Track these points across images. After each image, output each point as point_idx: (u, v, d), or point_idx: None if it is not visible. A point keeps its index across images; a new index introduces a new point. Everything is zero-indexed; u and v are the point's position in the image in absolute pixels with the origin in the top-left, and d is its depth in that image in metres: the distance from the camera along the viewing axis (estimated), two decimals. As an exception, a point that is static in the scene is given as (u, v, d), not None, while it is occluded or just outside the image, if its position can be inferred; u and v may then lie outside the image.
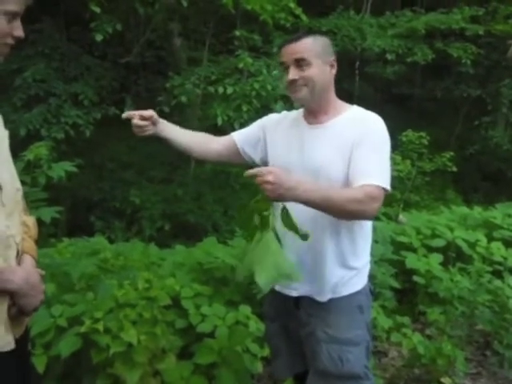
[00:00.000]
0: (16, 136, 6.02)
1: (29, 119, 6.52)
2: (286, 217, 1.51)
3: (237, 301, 2.72)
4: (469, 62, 8.63)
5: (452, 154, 5.79)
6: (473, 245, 3.72)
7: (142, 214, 7.00)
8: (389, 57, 8.37)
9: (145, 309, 2.35)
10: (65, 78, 7.34)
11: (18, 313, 1.33)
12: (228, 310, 2.57)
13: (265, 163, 1.88)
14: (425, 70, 10.11)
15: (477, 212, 4.47)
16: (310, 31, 1.71)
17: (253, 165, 1.94)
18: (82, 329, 2.18)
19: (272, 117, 1.94)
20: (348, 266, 1.73)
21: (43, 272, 1.46)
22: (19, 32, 1.28)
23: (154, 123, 1.81)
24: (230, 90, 5.96)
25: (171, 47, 7.60)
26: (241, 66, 6.13)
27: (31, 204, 2.65)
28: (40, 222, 2.66)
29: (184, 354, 2.45)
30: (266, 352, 2.49)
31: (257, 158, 1.90)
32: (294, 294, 1.75)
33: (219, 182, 7.40)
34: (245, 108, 5.87)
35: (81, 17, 6.63)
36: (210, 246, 3.07)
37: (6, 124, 1.46)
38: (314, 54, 1.66)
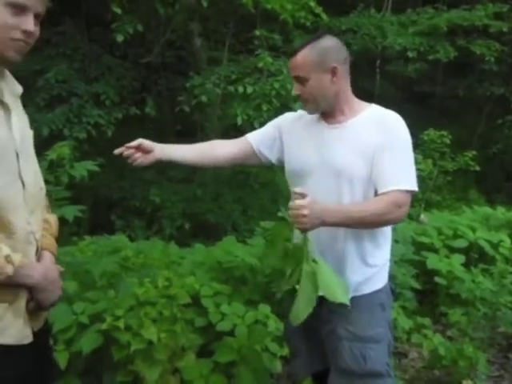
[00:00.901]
0: (39, 136, 6.12)
1: (51, 119, 6.62)
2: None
3: (256, 300, 2.73)
4: (492, 59, 8.48)
5: (474, 153, 5.71)
6: (495, 245, 3.67)
7: (162, 213, 7.05)
8: (410, 55, 8.28)
9: (165, 307, 2.37)
10: (86, 79, 7.44)
11: (36, 307, 1.36)
12: (247, 308, 2.58)
13: (281, 163, 1.88)
14: (447, 67, 9.97)
15: (500, 212, 4.40)
16: (317, 35, 1.67)
17: (269, 165, 1.97)
18: (103, 326, 2.21)
19: (287, 116, 1.93)
20: (369, 264, 1.73)
21: (62, 269, 1.49)
22: (27, 25, 1.23)
23: (147, 151, 1.76)
24: (249, 90, 5.96)
25: (191, 47, 7.64)
26: (261, 65, 6.13)
27: (54, 203, 2.69)
28: (63, 221, 2.70)
29: (203, 353, 2.46)
30: (286, 351, 2.49)
31: (273, 159, 1.90)
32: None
33: (238, 181, 7.41)
34: (265, 107, 5.87)
35: (102, 18, 6.71)
36: (229, 245, 3.08)
37: (30, 124, 1.50)
38: (310, 68, 1.64)
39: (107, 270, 2.61)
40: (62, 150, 2.84)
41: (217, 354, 2.40)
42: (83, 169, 2.86)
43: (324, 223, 1.52)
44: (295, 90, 1.69)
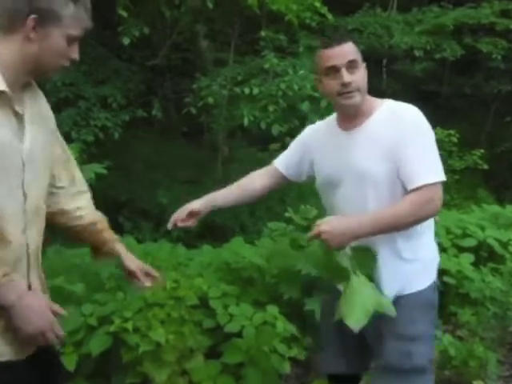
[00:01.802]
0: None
1: (59, 122, 6.62)
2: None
3: (264, 301, 2.72)
4: (499, 57, 8.43)
5: (483, 151, 5.67)
6: (505, 244, 3.64)
7: (170, 215, 7.06)
8: (416, 53, 8.25)
9: (173, 308, 2.38)
10: (93, 82, 7.47)
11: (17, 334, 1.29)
12: (255, 310, 2.58)
13: (312, 178, 1.91)
14: (454, 66, 9.92)
15: (509, 211, 4.37)
16: (342, 33, 1.70)
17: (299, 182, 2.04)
18: (112, 328, 2.21)
19: (307, 131, 1.94)
20: (404, 259, 1.70)
21: (61, 311, 1.37)
22: (75, 55, 1.36)
23: (196, 213, 1.91)
24: (256, 91, 5.96)
25: (197, 49, 7.66)
26: (267, 66, 6.12)
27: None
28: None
29: (212, 354, 2.46)
30: (294, 352, 2.48)
31: (303, 177, 1.95)
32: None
33: (246, 182, 7.40)
34: (271, 108, 5.86)
35: (108, 21, 6.73)
36: (236, 246, 3.08)
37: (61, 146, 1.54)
38: (359, 56, 1.66)
39: (115, 272, 2.62)
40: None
41: (225, 355, 2.40)
42: (91, 171, 2.88)
43: (356, 236, 1.56)
44: (347, 77, 1.63)
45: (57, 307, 1.36)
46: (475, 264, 3.41)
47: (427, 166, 1.60)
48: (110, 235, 1.69)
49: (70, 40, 1.31)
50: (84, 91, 7.14)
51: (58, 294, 2.40)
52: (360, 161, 1.67)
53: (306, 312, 2.67)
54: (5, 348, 1.31)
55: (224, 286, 2.67)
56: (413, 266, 1.71)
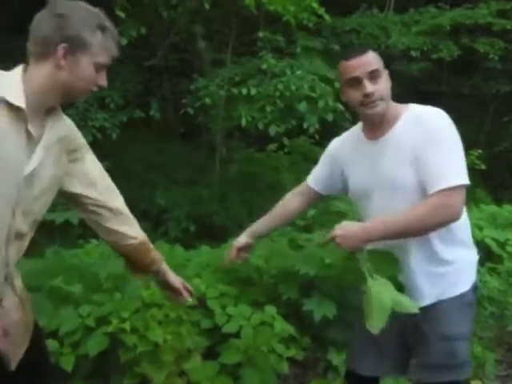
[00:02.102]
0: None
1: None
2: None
3: (262, 301, 2.72)
4: (496, 57, 8.44)
5: (480, 151, 5.67)
6: (502, 244, 3.65)
7: (168, 216, 7.06)
8: (413, 54, 8.26)
9: (171, 309, 2.38)
10: (91, 82, 7.46)
11: None
12: (253, 310, 2.58)
13: (346, 191, 1.92)
14: (451, 66, 9.93)
15: (507, 210, 4.38)
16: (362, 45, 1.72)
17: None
18: (110, 328, 2.21)
19: (335, 144, 1.95)
20: (441, 260, 1.70)
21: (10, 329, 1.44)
22: (103, 82, 1.42)
23: (245, 247, 2.09)
24: (253, 91, 5.96)
25: (195, 49, 7.66)
26: (264, 67, 6.13)
27: (60, 206, 2.70)
28: (69, 224, 2.71)
29: (210, 354, 2.46)
30: (292, 352, 2.48)
31: (338, 190, 1.97)
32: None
33: (244, 183, 7.41)
34: (269, 109, 5.86)
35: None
36: (234, 247, 3.07)
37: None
38: (381, 64, 1.67)
39: (113, 273, 2.61)
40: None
41: (223, 355, 2.40)
42: (88, 172, 2.87)
43: (368, 239, 1.57)
44: (369, 88, 1.63)
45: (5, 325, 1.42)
46: (473, 264, 3.41)
47: (448, 169, 1.57)
48: (157, 255, 1.80)
49: (98, 67, 1.38)
50: (82, 92, 7.13)
51: (55, 295, 2.41)
52: (387, 170, 1.67)
53: (304, 312, 2.67)
54: None
55: (222, 286, 2.67)
56: (452, 267, 1.71)
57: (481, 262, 3.49)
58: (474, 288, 1.77)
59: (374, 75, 1.64)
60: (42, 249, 2.93)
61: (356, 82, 1.65)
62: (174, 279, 1.83)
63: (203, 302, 2.54)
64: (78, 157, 1.55)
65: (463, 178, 1.57)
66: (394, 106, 1.73)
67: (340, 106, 5.52)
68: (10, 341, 1.42)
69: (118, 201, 1.67)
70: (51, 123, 1.40)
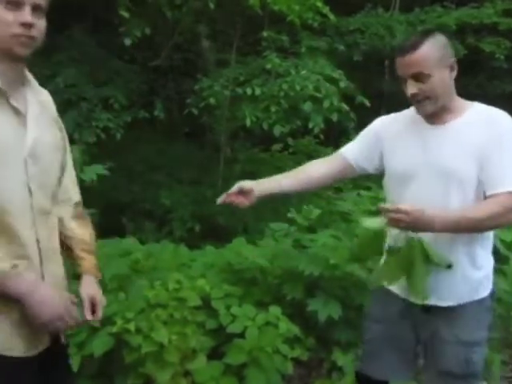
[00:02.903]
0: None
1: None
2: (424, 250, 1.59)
3: (267, 301, 2.72)
4: (502, 57, 8.41)
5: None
6: (509, 245, 3.62)
7: (173, 216, 7.06)
8: (419, 54, 8.23)
9: (175, 309, 2.37)
10: (95, 83, 7.47)
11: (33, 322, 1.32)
12: (258, 310, 2.57)
13: (378, 171, 1.86)
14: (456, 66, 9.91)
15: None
16: (427, 32, 1.60)
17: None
18: (114, 329, 2.21)
19: (383, 121, 1.88)
20: (477, 266, 1.70)
21: (74, 299, 1.46)
22: (23, 17, 1.25)
23: (247, 192, 1.82)
24: (258, 91, 5.95)
25: (199, 49, 7.66)
26: (269, 66, 6.12)
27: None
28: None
29: (214, 355, 2.46)
30: (297, 353, 2.48)
31: (371, 169, 1.88)
32: (423, 302, 1.71)
33: (248, 182, 7.39)
34: (273, 109, 5.85)
35: (109, 21, 6.74)
36: (239, 247, 3.08)
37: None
38: (433, 64, 1.58)
39: (118, 273, 2.62)
40: (72, 154, 2.85)
41: (228, 355, 2.40)
42: (93, 172, 2.88)
43: (433, 230, 1.53)
44: (411, 89, 1.62)
45: (69, 296, 1.43)
46: (479, 264, 3.39)
47: (511, 174, 1.55)
48: (91, 260, 1.64)
49: (11, 4, 1.24)
50: (85, 92, 7.14)
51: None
52: (446, 158, 1.63)
53: (308, 313, 2.67)
54: (16, 341, 1.32)
55: (227, 286, 2.67)
56: (481, 272, 1.71)
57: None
58: (492, 294, 1.76)
59: (416, 77, 1.59)
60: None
61: (403, 80, 1.64)
62: (85, 289, 1.62)
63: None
64: (64, 135, 1.54)
65: None
66: (458, 100, 1.70)
67: (345, 106, 5.50)
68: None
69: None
70: (30, 93, 1.37)
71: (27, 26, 1.26)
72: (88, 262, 1.59)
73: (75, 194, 1.62)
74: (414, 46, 1.58)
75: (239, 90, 6.18)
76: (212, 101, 6.27)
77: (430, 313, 1.72)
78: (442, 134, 1.66)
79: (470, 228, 1.55)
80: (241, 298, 2.65)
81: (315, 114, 5.53)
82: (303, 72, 6.03)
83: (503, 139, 1.57)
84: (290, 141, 7.26)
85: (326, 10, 6.49)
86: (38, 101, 1.39)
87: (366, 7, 9.25)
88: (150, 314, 2.33)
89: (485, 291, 1.72)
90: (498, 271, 3.33)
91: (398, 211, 1.47)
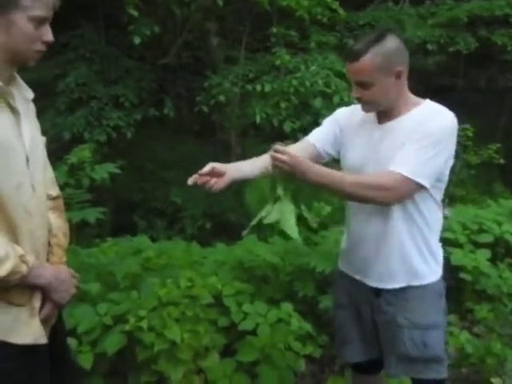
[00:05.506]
0: (60, 139, 6.20)
1: (72, 123, 6.69)
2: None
3: (278, 298, 2.72)
4: (514, 49, 8.32)
5: (498, 145, 5.59)
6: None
7: (184, 214, 7.09)
8: (429, 47, 8.16)
9: (187, 307, 2.38)
10: (105, 81, 7.51)
11: (51, 307, 1.40)
12: (270, 307, 2.57)
13: (340, 159, 1.90)
14: (467, 59, 9.79)
15: (526, 205, 4.30)
16: (377, 37, 1.60)
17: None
18: (127, 327, 2.22)
19: (344, 111, 1.93)
20: (422, 250, 1.73)
21: (76, 274, 1.54)
22: (48, 37, 1.31)
23: (220, 174, 1.76)
24: (267, 88, 5.95)
25: (208, 47, 7.66)
26: (278, 63, 6.11)
27: (76, 205, 2.72)
28: (85, 223, 2.73)
29: (227, 352, 2.46)
30: (309, 350, 2.47)
31: (335, 153, 1.92)
32: (375, 285, 1.78)
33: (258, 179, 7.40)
34: (283, 105, 5.85)
35: (119, 20, 6.76)
36: (250, 244, 3.07)
37: (52, 128, 1.53)
38: (375, 73, 1.59)
39: (130, 271, 2.63)
40: (83, 153, 2.87)
41: (240, 353, 2.39)
42: (104, 171, 2.89)
43: (306, 179, 1.57)
44: (355, 93, 1.67)
45: (72, 271, 1.51)
46: (492, 260, 3.36)
47: (410, 162, 1.58)
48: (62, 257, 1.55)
49: (37, 22, 1.27)
50: (96, 91, 7.18)
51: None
52: (382, 150, 1.68)
53: (320, 309, 2.66)
54: (40, 330, 1.36)
55: (238, 284, 2.67)
56: (427, 257, 1.74)
57: (500, 258, 3.44)
58: (442, 280, 1.79)
59: (362, 84, 1.63)
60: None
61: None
62: None
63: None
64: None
65: (419, 177, 1.57)
66: (407, 99, 1.71)
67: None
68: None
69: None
70: (17, 91, 1.38)
71: (49, 44, 1.32)
72: (57, 257, 1.52)
73: (54, 189, 1.60)
74: (357, 56, 1.59)
75: (249, 87, 6.18)
76: (222, 98, 6.28)
77: (380, 297, 1.77)
78: (385, 132, 1.70)
79: (340, 190, 1.59)
80: (252, 296, 2.65)
81: (325, 110, 5.52)
82: (313, 68, 6.01)
83: (425, 135, 1.58)
84: (300, 137, 7.23)
85: (335, 4, 6.46)
86: (24, 98, 1.41)
87: (375, 1, 9.19)
88: (163, 311, 2.33)
89: (430, 276, 1.75)
90: (510, 266, 3.30)
91: (283, 152, 1.54)
